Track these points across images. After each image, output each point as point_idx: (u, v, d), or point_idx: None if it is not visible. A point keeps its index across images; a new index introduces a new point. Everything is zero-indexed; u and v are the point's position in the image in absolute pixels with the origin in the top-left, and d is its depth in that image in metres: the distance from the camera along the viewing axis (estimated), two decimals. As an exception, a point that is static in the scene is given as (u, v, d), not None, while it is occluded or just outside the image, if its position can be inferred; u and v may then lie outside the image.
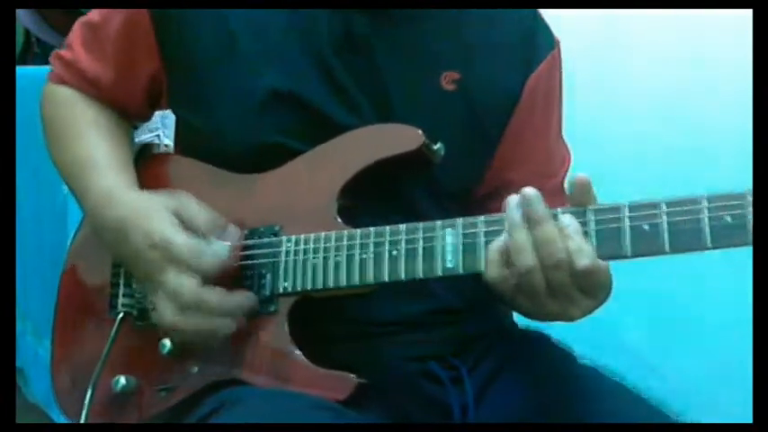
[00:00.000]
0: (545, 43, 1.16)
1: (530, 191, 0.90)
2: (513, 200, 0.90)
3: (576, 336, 1.13)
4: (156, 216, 1.03)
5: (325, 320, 1.05)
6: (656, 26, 1.86)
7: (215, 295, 1.00)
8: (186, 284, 0.99)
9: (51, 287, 1.23)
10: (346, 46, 1.07)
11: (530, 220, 0.89)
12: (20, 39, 2.92)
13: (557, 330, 1.18)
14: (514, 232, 0.89)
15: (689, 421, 1.01)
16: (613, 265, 0.92)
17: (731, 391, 1.70)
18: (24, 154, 1.38)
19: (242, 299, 1.02)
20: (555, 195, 1.12)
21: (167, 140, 1.82)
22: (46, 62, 1.24)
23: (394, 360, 1.06)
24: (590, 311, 0.93)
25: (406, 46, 1.09)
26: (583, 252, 0.87)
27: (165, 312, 1.01)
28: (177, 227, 1.02)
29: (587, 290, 0.90)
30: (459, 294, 1.12)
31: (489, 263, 0.91)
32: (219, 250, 1.01)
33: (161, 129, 1.85)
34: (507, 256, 0.90)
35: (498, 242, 0.91)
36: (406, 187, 1.08)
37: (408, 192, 1.08)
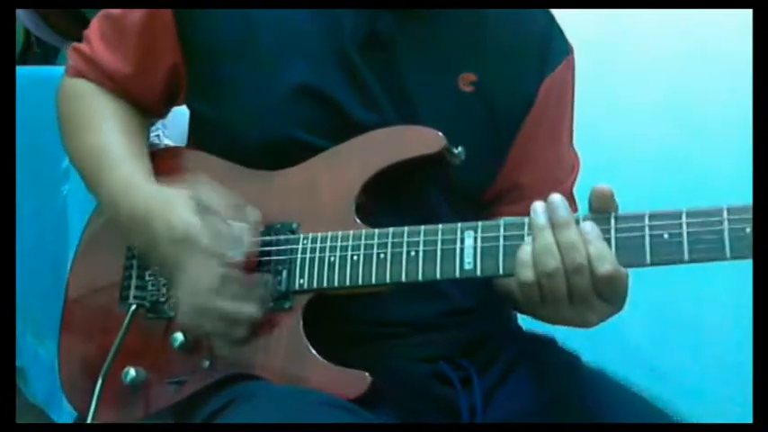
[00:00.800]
0: (561, 48, 1.17)
1: (555, 197, 0.91)
2: (538, 205, 0.92)
3: (578, 336, 1.13)
4: (176, 203, 1.03)
5: (338, 320, 1.05)
6: (656, 26, 1.86)
7: (237, 277, 1.00)
8: (210, 268, 0.99)
9: (51, 287, 1.24)
10: (370, 44, 1.07)
11: (554, 225, 0.90)
12: (20, 39, 2.92)
13: (560, 331, 1.18)
14: (540, 235, 0.90)
15: (689, 421, 1.01)
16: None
17: (731, 391, 1.69)
18: (24, 154, 1.38)
19: (263, 279, 1.02)
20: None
21: (167, 140, 1.82)
22: (46, 62, 1.24)
23: (404, 361, 1.06)
24: (606, 318, 0.93)
25: (427, 46, 1.10)
26: (604, 258, 0.88)
27: (183, 307, 1.01)
28: (197, 214, 1.01)
29: (606, 296, 0.90)
30: (469, 295, 1.12)
31: (522, 265, 0.91)
32: (240, 234, 1.01)
33: (161, 129, 1.85)
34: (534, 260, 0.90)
35: (528, 245, 0.91)
36: (422, 187, 1.08)
37: (423, 192, 1.09)
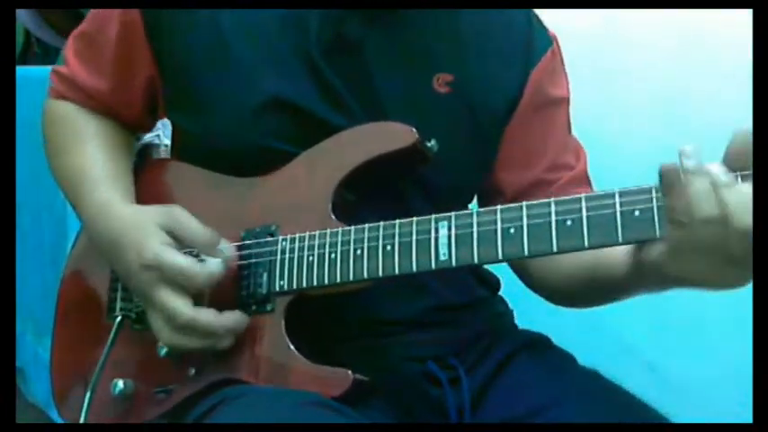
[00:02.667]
0: (543, 39, 1.16)
1: (690, 147, 0.84)
2: (688, 149, 0.84)
3: (577, 336, 1.14)
4: (148, 234, 1.03)
5: (326, 320, 1.05)
6: (656, 26, 1.86)
7: (209, 317, 1.00)
8: (179, 307, 1.00)
9: (51, 287, 1.23)
10: (336, 47, 1.07)
11: (718, 182, 0.82)
12: (20, 39, 2.92)
13: (557, 330, 1.18)
14: (696, 179, 0.82)
15: (689, 421, 1.01)
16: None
17: (731, 391, 1.69)
18: (24, 154, 1.38)
19: (235, 318, 1.02)
20: (578, 186, 1.14)
21: (167, 140, 1.82)
22: (46, 62, 1.25)
23: (394, 360, 1.07)
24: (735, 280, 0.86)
25: (399, 47, 1.09)
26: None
27: (162, 332, 1.02)
28: (169, 245, 1.02)
29: (738, 259, 0.83)
30: (458, 291, 1.12)
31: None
32: (212, 268, 1.01)
33: (161, 128, 1.85)
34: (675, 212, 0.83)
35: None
36: (402, 187, 1.08)
37: (404, 191, 1.08)
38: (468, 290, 1.15)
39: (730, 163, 0.83)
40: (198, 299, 1.02)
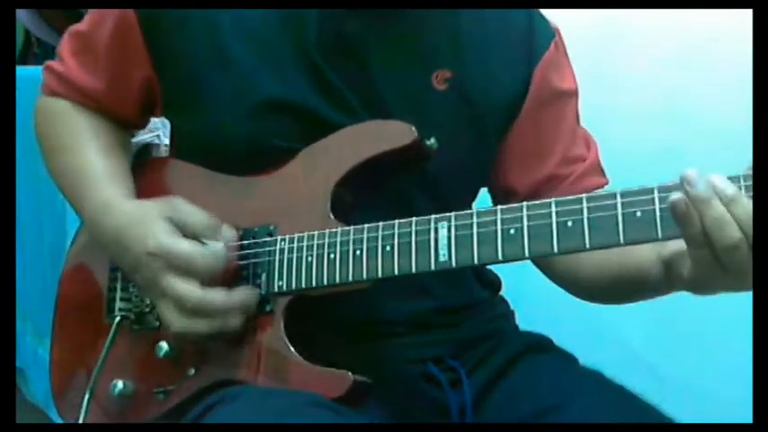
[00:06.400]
0: (545, 33, 1.16)
1: (691, 173, 0.84)
2: (690, 175, 0.84)
3: (578, 336, 1.13)
4: (151, 224, 1.03)
5: (325, 321, 1.04)
6: (656, 26, 1.86)
7: (218, 295, 1.00)
8: (189, 289, 1.00)
9: (51, 287, 1.23)
10: (336, 47, 1.07)
11: (725, 198, 0.83)
12: (20, 39, 2.92)
13: (558, 331, 1.18)
14: (711, 207, 0.82)
15: (689, 421, 1.01)
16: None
17: (731, 391, 1.69)
18: (24, 154, 1.38)
19: (245, 294, 1.02)
20: (591, 177, 1.15)
21: (167, 140, 1.82)
22: (46, 62, 1.24)
23: (394, 361, 1.06)
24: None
25: (398, 45, 1.09)
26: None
27: (173, 320, 1.01)
28: (172, 233, 1.02)
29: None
30: (459, 293, 1.12)
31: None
32: (216, 251, 1.01)
33: (161, 128, 1.85)
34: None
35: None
36: (404, 185, 1.08)
37: (406, 190, 1.08)
38: (469, 291, 1.15)
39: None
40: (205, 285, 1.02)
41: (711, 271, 0.86)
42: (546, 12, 1.20)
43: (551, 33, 1.16)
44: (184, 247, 1.01)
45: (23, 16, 2.71)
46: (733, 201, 0.82)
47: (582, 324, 1.57)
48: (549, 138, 1.15)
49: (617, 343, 1.83)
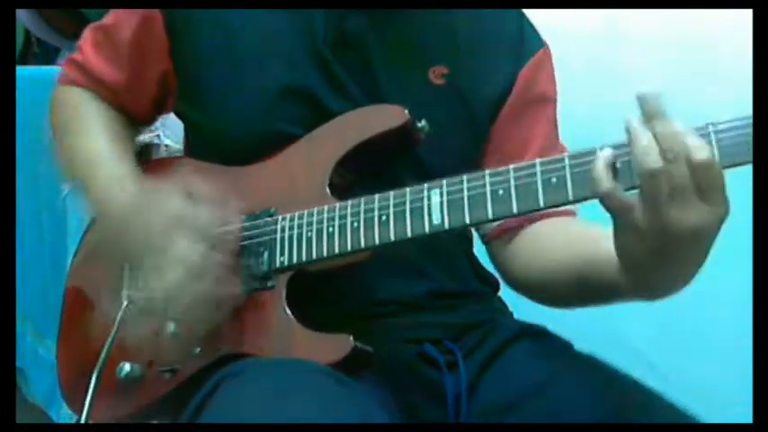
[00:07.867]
0: (534, 41, 1.21)
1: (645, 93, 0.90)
2: (631, 116, 0.90)
3: (576, 333, 1.13)
4: (167, 193, 1.06)
5: (325, 300, 1.07)
6: (656, 26, 1.86)
7: (224, 257, 1.04)
8: (199, 249, 1.03)
9: (51, 287, 1.24)
10: (340, 42, 1.13)
11: (651, 116, 0.89)
12: (20, 39, 2.92)
13: (557, 329, 1.18)
14: (638, 136, 0.87)
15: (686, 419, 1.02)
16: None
17: (731, 391, 1.70)
18: (24, 154, 1.38)
19: (247, 262, 1.06)
20: None
21: (167, 141, 1.82)
22: (46, 62, 1.25)
23: (390, 341, 1.09)
24: (707, 227, 0.86)
25: (397, 41, 1.15)
26: (701, 147, 0.85)
27: (181, 284, 1.03)
28: (188, 199, 1.05)
29: (705, 191, 0.85)
30: (455, 278, 1.16)
31: (598, 181, 0.87)
32: (227, 215, 1.06)
33: (161, 129, 1.86)
34: (617, 171, 0.87)
35: (605, 158, 0.88)
36: (400, 170, 1.11)
37: (402, 175, 1.10)
38: (465, 280, 1.18)
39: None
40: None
41: (658, 201, 0.85)
42: (547, 12, 1.20)
43: (541, 44, 1.21)
44: (201, 210, 1.04)
45: (23, 16, 2.71)
46: (661, 122, 0.87)
47: (581, 324, 1.56)
48: (528, 135, 1.18)
49: (617, 343, 1.82)
